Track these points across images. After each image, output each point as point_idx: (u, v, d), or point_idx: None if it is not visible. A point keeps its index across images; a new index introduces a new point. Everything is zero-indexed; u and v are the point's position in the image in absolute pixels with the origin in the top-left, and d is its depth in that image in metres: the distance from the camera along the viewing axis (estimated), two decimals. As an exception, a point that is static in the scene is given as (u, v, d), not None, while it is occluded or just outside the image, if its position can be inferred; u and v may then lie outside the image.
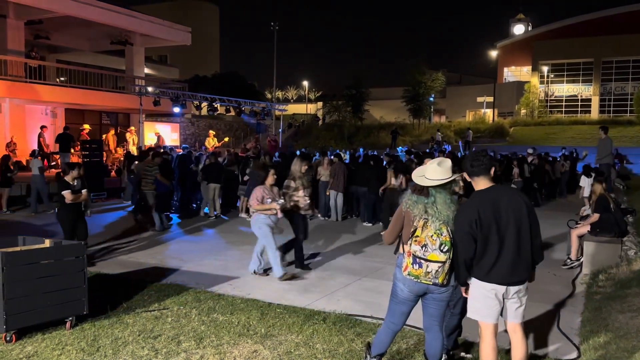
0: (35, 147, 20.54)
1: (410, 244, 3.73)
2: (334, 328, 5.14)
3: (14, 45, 20.10)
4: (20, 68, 19.77)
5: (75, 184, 7.73)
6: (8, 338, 4.77)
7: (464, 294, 3.87)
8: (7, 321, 4.72)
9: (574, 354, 4.63)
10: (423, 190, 3.87)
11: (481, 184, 3.71)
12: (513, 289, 3.67)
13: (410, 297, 3.92)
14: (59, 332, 5.03)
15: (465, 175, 4.17)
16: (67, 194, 7.55)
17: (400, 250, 3.98)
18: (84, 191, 7.83)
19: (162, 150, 13.87)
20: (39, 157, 14.21)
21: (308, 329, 5.11)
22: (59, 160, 19.55)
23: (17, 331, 4.84)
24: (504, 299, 3.70)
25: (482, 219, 3.57)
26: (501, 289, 3.65)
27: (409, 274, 3.74)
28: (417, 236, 3.70)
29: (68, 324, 5.12)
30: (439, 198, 3.80)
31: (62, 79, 23.35)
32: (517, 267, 3.62)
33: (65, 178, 7.74)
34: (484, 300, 3.69)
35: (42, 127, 20.36)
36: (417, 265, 3.68)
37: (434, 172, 3.86)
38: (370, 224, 11.52)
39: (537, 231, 3.71)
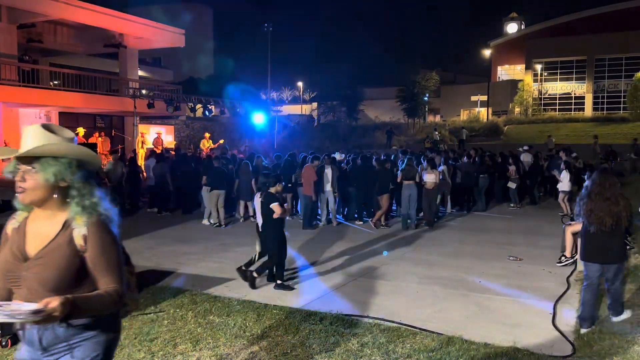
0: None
1: None
2: (330, 328, 5.15)
3: (7, 49, 20.00)
4: (13, 72, 19.69)
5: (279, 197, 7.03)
6: (3, 343, 4.76)
7: None
8: (2, 326, 4.70)
9: (569, 351, 4.66)
10: None
11: None
12: None
13: None
14: (54, 336, 5.02)
15: None
16: (276, 206, 6.76)
17: None
18: (286, 205, 7.23)
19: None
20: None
21: (304, 330, 5.11)
22: None
23: (13, 336, 4.82)
24: None
25: None
26: None
27: None
28: None
29: (64, 328, 5.10)
30: None
31: (55, 82, 23.25)
32: None
33: (270, 190, 6.98)
34: None
35: None
36: None
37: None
38: (361, 223, 11.58)
39: None
